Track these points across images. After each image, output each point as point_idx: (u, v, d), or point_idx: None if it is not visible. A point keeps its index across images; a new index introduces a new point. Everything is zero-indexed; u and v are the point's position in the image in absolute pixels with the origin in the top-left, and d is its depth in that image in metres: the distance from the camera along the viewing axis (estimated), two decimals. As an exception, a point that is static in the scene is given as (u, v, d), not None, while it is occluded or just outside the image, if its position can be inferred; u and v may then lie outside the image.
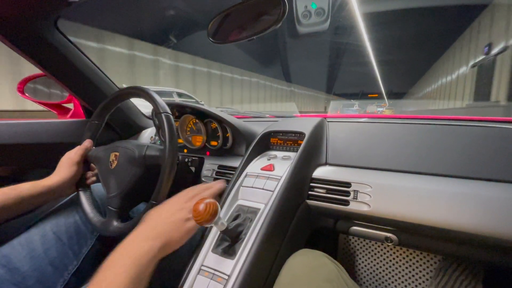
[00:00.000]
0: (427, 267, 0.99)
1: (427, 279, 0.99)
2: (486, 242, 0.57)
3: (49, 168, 0.78)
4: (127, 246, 0.48)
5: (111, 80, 1.10)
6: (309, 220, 0.79)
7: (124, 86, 0.88)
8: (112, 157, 0.73)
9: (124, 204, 0.69)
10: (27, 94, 1.19)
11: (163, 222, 0.54)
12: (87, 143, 0.82)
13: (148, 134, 1.26)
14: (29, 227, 0.72)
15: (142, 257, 0.46)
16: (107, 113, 0.86)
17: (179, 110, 1.07)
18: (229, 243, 0.58)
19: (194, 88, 14.25)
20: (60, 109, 1.25)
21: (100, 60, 9.50)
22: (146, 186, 0.70)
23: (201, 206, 0.46)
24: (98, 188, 0.86)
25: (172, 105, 1.07)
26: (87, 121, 1.14)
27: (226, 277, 0.51)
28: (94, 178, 0.83)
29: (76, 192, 0.79)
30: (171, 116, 0.67)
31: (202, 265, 0.56)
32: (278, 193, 0.65)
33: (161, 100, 0.70)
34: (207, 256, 0.57)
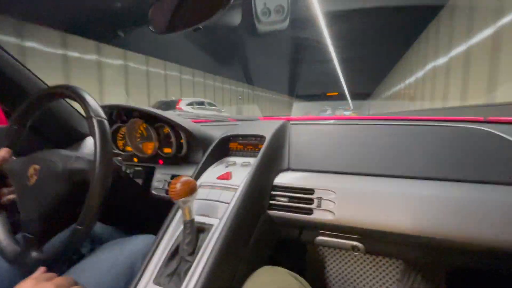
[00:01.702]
0: (393, 271, 1.00)
1: (393, 283, 0.99)
2: (448, 245, 0.56)
3: None
4: None
5: (39, 78, 0.93)
6: (272, 232, 0.74)
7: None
8: (31, 170, 0.60)
9: (43, 229, 0.57)
10: None
11: None
12: (2, 152, 0.66)
13: (91, 143, 1.11)
14: None
15: None
16: (29, 116, 0.71)
17: (126, 114, 0.94)
18: (175, 268, 0.49)
19: (148, 91, 13.31)
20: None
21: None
22: (72, 206, 0.58)
23: (181, 180, 0.48)
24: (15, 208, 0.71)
25: (118, 108, 0.95)
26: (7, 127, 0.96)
27: None
28: (11, 196, 0.68)
29: None
30: (105, 122, 0.56)
31: None
32: (234, 205, 0.59)
33: (93, 101, 0.59)
34: None
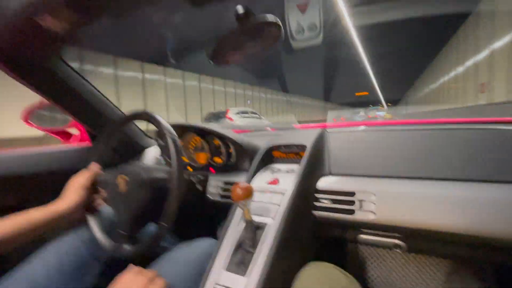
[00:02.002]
0: (438, 271, 0.99)
1: (440, 284, 0.98)
2: (493, 243, 0.58)
3: (56, 197, 0.78)
4: None
5: (114, 105, 1.13)
6: (317, 231, 0.80)
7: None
8: (120, 180, 0.74)
9: (134, 227, 0.70)
10: (31, 122, 1.22)
11: None
12: (94, 167, 0.82)
13: (151, 153, 1.28)
14: (31, 257, 0.71)
15: None
16: (113, 136, 0.88)
17: (181, 129, 1.09)
18: (240, 258, 0.58)
19: (201, 105, 14.62)
20: (65, 134, 1.27)
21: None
22: (153, 208, 0.71)
23: (240, 185, 0.57)
24: (105, 211, 0.87)
25: (174, 126, 1.10)
26: (92, 146, 1.16)
27: None
28: (101, 202, 0.83)
29: (84, 220, 0.79)
30: (177, 139, 0.69)
31: (216, 284, 0.57)
32: (285, 206, 0.66)
33: (166, 123, 0.72)
34: (220, 274, 0.58)
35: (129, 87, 11.09)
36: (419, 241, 0.71)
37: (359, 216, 0.69)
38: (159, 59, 11.92)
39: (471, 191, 0.62)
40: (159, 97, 12.60)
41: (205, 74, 14.87)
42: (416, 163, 0.73)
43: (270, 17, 0.53)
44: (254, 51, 0.61)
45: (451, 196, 0.62)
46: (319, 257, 0.72)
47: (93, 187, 0.81)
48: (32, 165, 1.00)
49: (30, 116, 1.22)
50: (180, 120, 11.39)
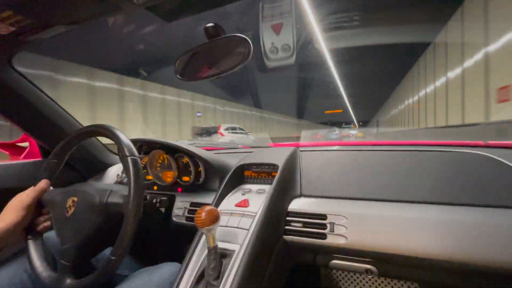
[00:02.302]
0: None
1: None
2: (463, 268, 0.58)
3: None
4: None
5: (72, 117, 1.03)
6: (287, 257, 0.76)
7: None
8: (69, 202, 0.66)
9: (79, 257, 0.61)
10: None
11: None
12: (43, 183, 0.73)
13: (114, 172, 1.18)
14: None
15: None
16: (67, 151, 0.78)
17: (148, 145, 1.02)
18: None
19: (166, 118, 14.25)
20: (13, 149, 1.14)
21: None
22: (106, 235, 0.63)
23: (205, 209, 0.54)
24: (52, 236, 0.76)
25: (140, 141, 1.03)
26: (44, 161, 1.05)
27: None
28: (46, 224, 0.73)
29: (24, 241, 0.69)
30: (138, 160, 0.63)
31: None
32: (253, 231, 0.62)
33: (127, 141, 0.66)
34: None
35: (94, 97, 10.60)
36: (390, 265, 0.70)
37: (331, 240, 0.67)
38: (129, 70, 11.63)
39: (437, 214, 0.63)
40: (128, 110, 12.15)
41: (173, 86, 14.69)
42: (387, 185, 0.74)
43: (240, 36, 0.51)
44: (224, 68, 0.58)
45: (422, 219, 0.63)
46: (291, 283, 0.68)
47: (39, 208, 0.72)
48: None
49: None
50: (150, 135, 11.15)
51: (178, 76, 0.63)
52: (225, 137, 10.18)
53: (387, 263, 0.69)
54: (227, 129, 10.80)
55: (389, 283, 1.01)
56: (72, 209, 0.64)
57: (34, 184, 0.74)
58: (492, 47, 6.55)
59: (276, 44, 1.15)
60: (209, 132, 10.50)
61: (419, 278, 0.73)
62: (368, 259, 0.70)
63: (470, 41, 7.75)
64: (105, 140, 1.00)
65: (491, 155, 0.70)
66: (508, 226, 0.56)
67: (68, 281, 0.59)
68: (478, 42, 7.23)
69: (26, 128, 0.94)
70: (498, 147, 0.77)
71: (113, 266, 0.55)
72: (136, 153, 0.63)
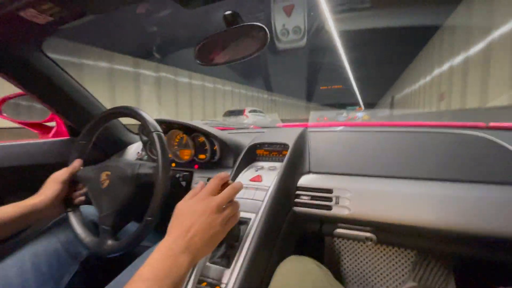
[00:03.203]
0: (405, 261, 1.07)
1: (406, 273, 1.05)
2: (455, 236, 0.64)
3: (35, 191, 0.75)
4: (160, 261, 0.43)
5: (96, 100, 1.10)
6: (296, 226, 0.84)
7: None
8: (103, 176, 0.73)
9: (117, 223, 0.69)
10: (4, 114, 1.16)
11: (201, 230, 0.48)
12: (76, 163, 0.80)
13: (133, 150, 1.26)
14: (5, 256, 0.68)
15: (178, 274, 0.42)
16: (95, 132, 0.85)
17: (166, 125, 1.08)
18: (224, 252, 0.60)
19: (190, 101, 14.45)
20: (42, 128, 1.22)
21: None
22: (137, 204, 0.71)
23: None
24: (85, 208, 0.85)
25: (159, 121, 1.09)
26: (71, 139, 1.13)
27: (224, 286, 0.54)
28: (82, 198, 0.81)
29: (62, 215, 0.77)
30: (163, 135, 0.69)
31: (201, 276, 0.58)
32: (267, 202, 0.69)
33: (151, 119, 0.72)
34: (204, 267, 0.60)
35: (118, 82, 10.78)
36: (389, 234, 0.77)
37: (336, 211, 0.74)
38: (147, 54, 11.69)
39: (436, 189, 0.68)
40: (146, 92, 12.32)
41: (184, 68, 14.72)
42: (388, 163, 0.79)
43: (258, 24, 0.55)
44: (241, 54, 0.62)
45: (418, 194, 0.68)
46: (298, 251, 0.76)
47: (74, 183, 0.79)
48: (9, 159, 0.96)
49: (4, 107, 1.16)
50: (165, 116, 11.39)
51: (197, 60, 0.67)
52: (248, 118, 11.75)
53: (386, 231, 0.75)
54: (250, 111, 12.57)
55: (387, 251, 1.08)
56: (107, 181, 0.71)
57: (66, 160, 0.81)
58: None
59: (287, 26, 1.16)
60: (236, 113, 12.32)
61: (416, 245, 0.79)
62: (369, 228, 0.76)
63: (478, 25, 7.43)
64: (123, 120, 1.07)
65: (489, 137, 0.74)
66: (497, 199, 0.61)
67: (110, 242, 0.67)
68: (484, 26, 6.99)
69: (55, 108, 1.01)
70: (498, 129, 0.81)
71: (150, 227, 0.63)
72: (160, 129, 0.69)
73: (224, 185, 0.57)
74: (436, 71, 11.87)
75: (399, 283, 1.05)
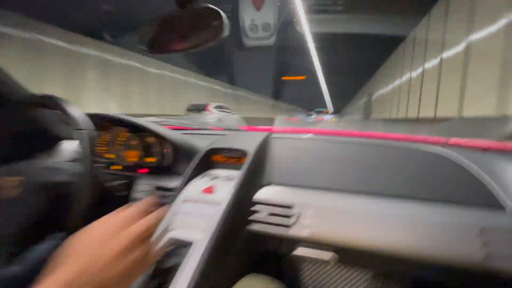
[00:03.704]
0: (365, 282, 1.06)
1: None
2: (415, 260, 0.62)
3: None
4: None
5: (17, 82, 0.90)
6: (252, 245, 0.77)
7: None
8: (9, 182, 0.58)
9: (20, 243, 0.56)
10: None
11: (93, 260, 0.34)
12: None
13: (68, 148, 1.08)
14: None
15: None
16: (9, 123, 0.70)
17: (110, 122, 0.94)
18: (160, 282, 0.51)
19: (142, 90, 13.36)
20: None
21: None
22: (52, 218, 0.58)
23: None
24: None
25: (100, 117, 0.94)
26: None
27: None
28: None
29: None
30: (88, 134, 0.58)
31: None
32: (219, 220, 0.60)
33: (79, 113, 0.59)
34: None
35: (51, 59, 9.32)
36: (351, 256, 0.73)
37: (295, 231, 0.68)
38: (92, 31, 10.34)
39: (400, 209, 0.66)
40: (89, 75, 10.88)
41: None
42: (354, 177, 0.76)
43: (213, 8, 0.46)
44: (196, 42, 0.52)
45: (382, 213, 0.66)
46: (258, 269, 0.69)
47: None
48: None
49: None
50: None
51: (142, 47, 0.56)
52: (213, 114, 10.98)
53: (348, 253, 0.72)
54: (215, 107, 11.80)
55: (349, 271, 1.07)
56: (13, 190, 0.57)
57: None
58: (457, 48, 6.97)
59: (256, 22, 1.09)
60: (199, 108, 11.41)
61: (376, 267, 0.77)
62: (330, 250, 0.72)
63: (438, 40, 8.15)
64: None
65: (448, 154, 0.76)
66: (450, 222, 0.61)
67: (13, 268, 0.54)
68: (443, 41, 7.69)
69: None
70: (458, 146, 0.83)
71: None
72: (91, 126, 0.57)
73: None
74: (396, 82, 13.01)
75: None
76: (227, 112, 12.53)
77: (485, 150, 0.81)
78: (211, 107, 11.46)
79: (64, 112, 0.60)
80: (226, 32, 0.47)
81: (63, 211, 0.55)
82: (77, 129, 0.57)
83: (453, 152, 0.76)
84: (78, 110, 0.60)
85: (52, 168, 0.59)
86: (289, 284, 1.11)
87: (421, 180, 0.71)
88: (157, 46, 0.57)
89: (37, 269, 0.51)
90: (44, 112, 1.03)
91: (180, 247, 0.57)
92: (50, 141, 1.06)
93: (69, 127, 1.13)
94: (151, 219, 0.41)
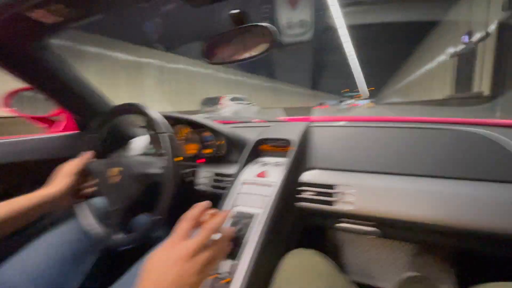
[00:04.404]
0: (406, 254, 1.09)
1: (406, 264, 1.08)
2: (454, 232, 0.66)
3: (45, 185, 0.76)
4: None
5: (103, 95, 1.11)
6: (300, 220, 0.86)
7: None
8: (115, 171, 0.75)
9: (126, 217, 0.72)
10: (14, 108, 1.17)
11: (171, 285, 0.40)
12: (88, 154, 0.81)
13: (139, 145, 1.27)
14: (22, 247, 0.70)
15: None
16: (105, 126, 0.87)
17: (172, 120, 1.09)
18: (232, 247, 0.62)
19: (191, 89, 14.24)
20: (50, 122, 1.23)
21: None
22: (146, 200, 0.73)
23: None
24: (95, 200, 0.86)
25: (166, 117, 1.09)
26: (80, 134, 1.14)
27: (230, 279, 0.56)
28: (92, 190, 0.82)
29: (72, 207, 0.79)
30: (174, 136, 0.69)
31: None
32: (273, 198, 0.70)
33: (162, 118, 0.72)
34: None
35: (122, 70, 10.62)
36: (390, 228, 0.78)
37: (339, 206, 0.76)
38: (157, 43, 11.51)
39: (436, 186, 0.70)
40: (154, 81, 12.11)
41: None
42: (391, 160, 0.80)
43: (265, 24, 0.54)
44: (249, 54, 0.62)
45: (420, 190, 0.70)
46: (302, 244, 0.78)
47: (84, 175, 0.80)
48: (20, 153, 0.97)
49: (12, 100, 1.17)
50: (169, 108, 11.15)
51: (205, 59, 0.67)
52: (228, 107, 10.37)
53: (388, 226, 0.77)
54: (231, 99, 10.99)
55: (389, 243, 1.11)
56: (118, 177, 0.73)
57: (76, 155, 0.82)
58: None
59: (292, 19, 1.14)
60: (213, 102, 10.86)
61: (416, 239, 0.81)
62: (372, 223, 0.78)
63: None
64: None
65: (488, 134, 0.75)
66: (495, 197, 0.63)
67: (119, 235, 0.69)
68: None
69: (64, 104, 1.02)
70: (498, 126, 0.81)
71: (157, 224, 0.65)
72: (171, 129, 0.70)
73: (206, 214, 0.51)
74: (434, 62, 11.83)
75: (400, 274, 1.08)
76: (244, 104, 11.82)
77: None
78: (225, 99, 10.76)
79: (149, 117, 0.73)
80: (276, 42, 0.55)
81: (154, 195, 0.68)
82: (163, 133, 0.68)
83: (491, 132, 0.76)
84: (159, 115, 0.73)
85: (144, 162, 0.74)
86: (332, 255, 1.19)
87: (459, 160, 0.73)
88: (216, 57, 0.68)
89: (137, 238, 0.66)
90: (122, 118, 1.24)
91: (244, 218, 0.68)
92: (125, 139, 1.28)
93: (136, 129, 1.33)
94: (204, 228, 0.46)
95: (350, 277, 1.16)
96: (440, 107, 10.95)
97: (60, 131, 1.18)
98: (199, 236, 0.44)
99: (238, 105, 11.09)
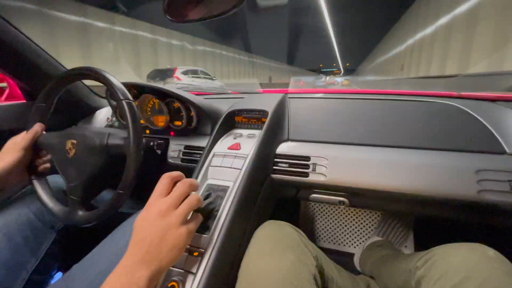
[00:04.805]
0: (372, 221, 1.15)
1: (372, 230, 1.15)
2: (420, 199, 0.69)
3: None
4: (115, 280, 0.39)
5: (57, 61, 0.97)
6: (273, 192, 0.85)
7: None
8: (68, 145, 0.67)
9: (86, 193, 0.66)
10: None
11: (156, 237, 0.42)
12: (37, 127, 0.72)
13: (103, 116, 1.17)
14: None
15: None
16: (55, 95, 0.76)
17: (137, 90, 1.00)
18: (202, 220, 0.60)
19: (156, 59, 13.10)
20: (-8, 90, 1.08)
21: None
22: (109, 174, 0.67)
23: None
24: (53, 177, 0.79)
25: (128, 85, 1.00)
26: (28, 104, 1.01)
27: (202, 251, 0.54)
28: (47, 166, 0.75)
29: (27, 184, 0.72)
30: (133, 103, 0.62)
31: None
32: (245, 170, 0.67)
33: (120, 84, 0.64)
34: None
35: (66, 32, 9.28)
36: (360, 198, 0.80)
37: (312, 178, 0.75)
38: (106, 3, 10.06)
39: (405, 156, 0.71)
40: (104, 48, 10.81)
41: (159, 25, 13.04)
42: (365, 131, 0.80)
43: None
44: (216, 11, 0.54)
45: (391, 160, 0.71)
46: (274, 215, 0.78)
47: (37, 150, 0.73)
48: None
49: None
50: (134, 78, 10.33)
51: (167, 16, 0.59)
52: (182, 81, 8.36)
53: (358, 196, 0.79)
54: (185, 72, 8.89)
55: (357, 212, 1.16)
56: (73, 151, 0.66)
57: (23, 125, 0.73)
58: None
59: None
60: (164, 74, 8.61)
61: (383, 207, 0.84)
62: (342, 193, 0.79)
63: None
64: (89, 83, 0.96)
65: (460, 106, 0.76)
66: (463, 166, 0.65)
67: (80, 213, 0.64)
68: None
69: (7, 69, 0.88)
70: (468, 98, 0.83)
71: (122, 199, 0.60)
72: (130, 97, 0.63)
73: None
74: (410, 41, 12.10)
75: (366, 239, 1.15)
76: (205, 78, 9.76)
77: (493, 100, 0.82)
78: (179, 72, 8.62)
79: (106, 82, 0.64)
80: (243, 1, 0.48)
81: (116, 168, 0.62)
82: (121, 99, 0.61)
83: (463, 103, 0.78)
84: (118, 82, 0.64)
85: (102, 132, 0.66)
86: (304, 226, 1.23)
87: (430, 130, 0.74)
88: (180, 15, 0.59)
89: (99, 215, 0.61)
90: (79, 86, 1.11)
91: (216, 191, 0.65)
92: (88, 110, 1.16)
93: (100, 99, 1.21)
94: (179, 184, 0.47)
95: (319, 244, 1.22)
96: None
97: (2, 101, 1.04)
98: (174, 193, 0.46)
99: (196, 79, 9.17)
